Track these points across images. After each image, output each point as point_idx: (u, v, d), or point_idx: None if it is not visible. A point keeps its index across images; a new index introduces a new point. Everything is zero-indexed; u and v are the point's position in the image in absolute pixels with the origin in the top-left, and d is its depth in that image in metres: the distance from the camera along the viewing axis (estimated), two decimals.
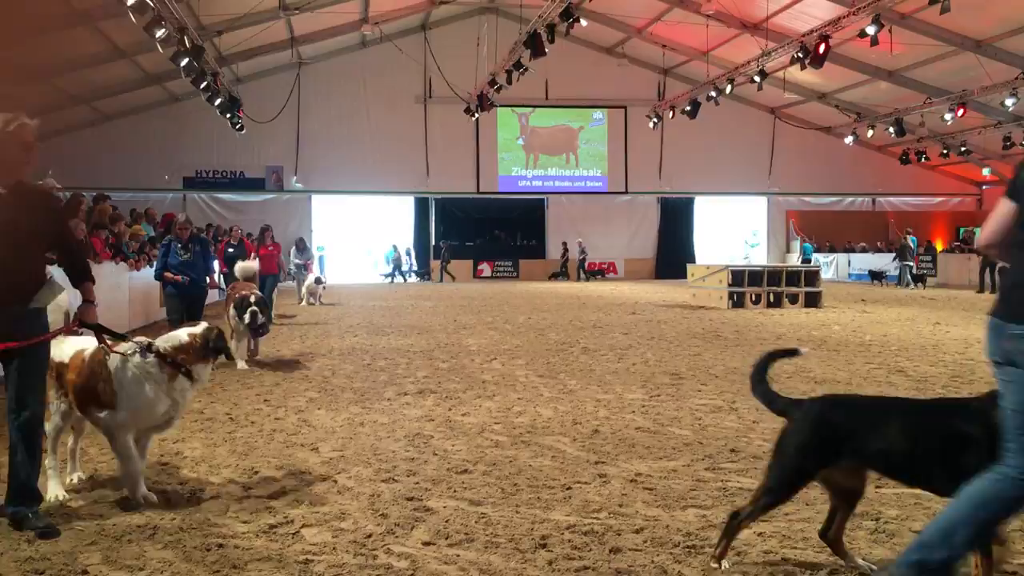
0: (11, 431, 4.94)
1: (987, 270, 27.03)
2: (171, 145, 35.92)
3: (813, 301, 21.65)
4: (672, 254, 40.31)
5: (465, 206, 40.44)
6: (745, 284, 21.85)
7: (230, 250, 18.13)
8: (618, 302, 23.99)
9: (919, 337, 14.63)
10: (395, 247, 37.79)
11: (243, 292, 11.60)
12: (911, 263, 31.82)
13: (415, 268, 39.05)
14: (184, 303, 11.21)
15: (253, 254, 17.90)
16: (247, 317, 11.14)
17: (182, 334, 5.46)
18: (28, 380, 4.93)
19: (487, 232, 40.73)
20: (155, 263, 12.06)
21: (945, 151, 36.52)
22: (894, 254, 33.50)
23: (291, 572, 4.17)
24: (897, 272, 32.16)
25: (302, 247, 24.96)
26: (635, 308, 21.55)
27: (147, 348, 5.28)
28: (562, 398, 8.92)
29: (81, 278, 5.29)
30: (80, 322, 5.20)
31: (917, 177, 42.08)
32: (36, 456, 4.99)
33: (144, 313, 17.39)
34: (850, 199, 43.51)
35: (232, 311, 11.45)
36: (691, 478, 5.83)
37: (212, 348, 5.48)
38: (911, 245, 32.66)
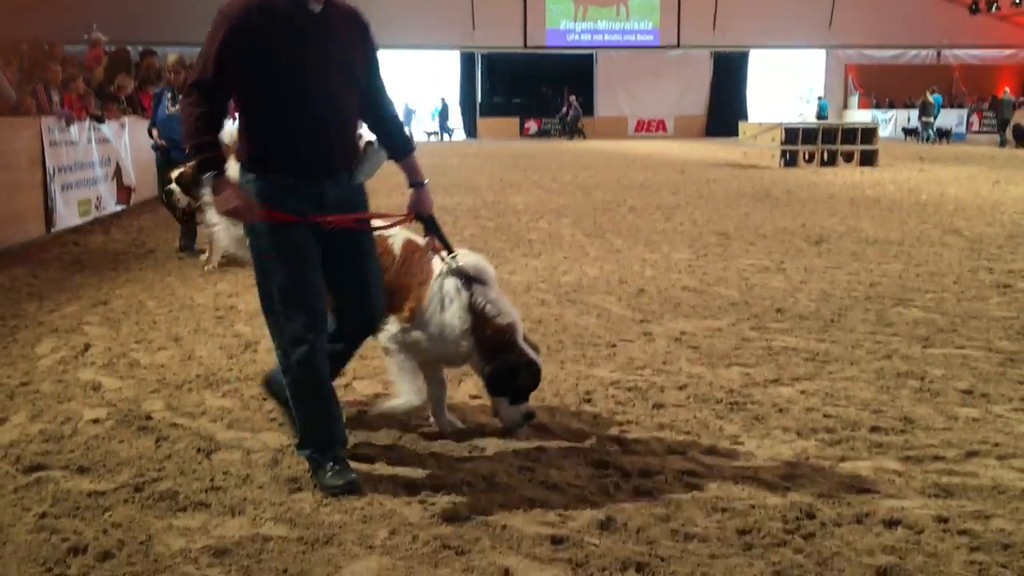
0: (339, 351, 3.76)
1: (1004, 127, 28.38)
2: None
3: (869, 160, 21.07)
4: (724, 111, 39.21)
5: (512, 61, 39.49)
6: (799, 142, 21.29)
7: None
8: (666, 161, 23.60)
9: (977, 196, 14.24)
10: (444, 100, 37.03)
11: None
12: (932, 119, 32.32)
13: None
14: (168, 172, 8.65)
15: None
16: (163, 196, 8.58)
17: (506, 311, 3.89)
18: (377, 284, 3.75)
19: (534, 89, 39.89)
20: None
21: (1017, 0, 34.40)
22: (918, 111, 33.59)
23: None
24: (925, 128, 32.43)
25: None
26: (684, 167, 21.21)
27: (468, 281, 3.87)
28: (608, 257, 8.92)
29: (406, 146, 3.84)
30: (417, 214, 3.84)
31: (986, 28, 39.83)
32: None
33: None
34: (913, 52, 41.55)
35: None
36: (736, 337, 5.86)
37: (506, 383, 3.89)
38: (932, 102, 32.76)
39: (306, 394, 3.56)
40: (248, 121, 3.52)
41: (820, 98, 39.33)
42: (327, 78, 3.46)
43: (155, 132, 9.12)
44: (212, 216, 4.12)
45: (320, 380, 3.56)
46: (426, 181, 3.85)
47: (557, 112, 38.49)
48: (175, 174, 8.07)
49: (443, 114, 37.05)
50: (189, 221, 8.75)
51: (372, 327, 3.83)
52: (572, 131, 37.64)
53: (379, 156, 3.70)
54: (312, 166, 3.50)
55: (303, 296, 3.48)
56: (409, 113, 36.81)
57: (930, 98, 32.75)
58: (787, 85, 41.18)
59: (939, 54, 41.57)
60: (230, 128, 10.30)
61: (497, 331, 3.79)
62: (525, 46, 39.18)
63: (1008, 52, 41.62)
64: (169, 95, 8.97)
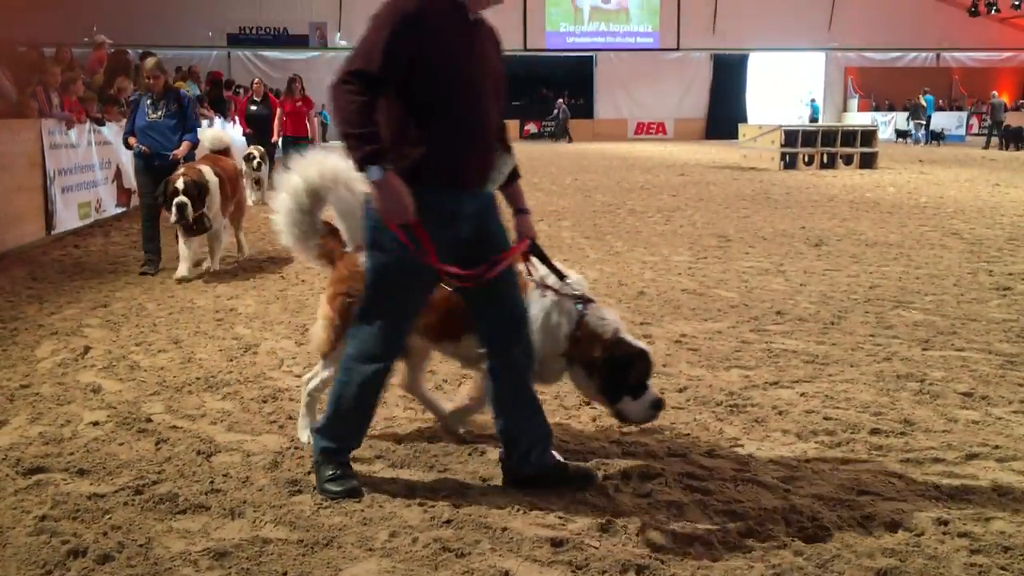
0: (500, 382, 3.57)
1: (993, 128, 29.41)
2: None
3: (868, 162, 21.08)
4: (723, 114, 39.20)
5: (511, 63, 39.33)
6: (798, 144, 21.30)
7: (252, 108, 15.58)
8: (667, 163, 23.61)
9: (976, 199, 14.25)
10: None
11: (180, 172, 8.03)
12: (923, 121, 32.88)
13: None
14: (152, 180, 8.34)
15: (278, 111, 15.12)
16: (173, 210, 7.86)
17: (612, 322, 3.75)
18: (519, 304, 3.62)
19: (534, 91, 39.90)
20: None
21: (1017, 2, 34.43)
22: (908, 113, 34.13)
23: None
24: (918, 130, 32.99)
25: None
26: (684, 169, 21.21)
27: (584, 302, 3.72)
28: (608, 260, 8.92)
29: (514, 172, 3.68)
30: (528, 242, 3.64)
31: (986, 30, 39.86)
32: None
33: None
34: (913, 55, 41.57)
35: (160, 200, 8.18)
36: (736, 339, 5.86)
37: (621, 380, 3.68)
38: (924, 104, 33.34)
39: (356, 401, 3.52)
40: (397, 125, 3.29)
41: (812, 100, 39.35)
42: (483, 87, 3.39)
43: (132, 140, 8.41)
44: (277, 205, 3.93)
45: (376, 396, 3.56)
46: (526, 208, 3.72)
47: (549, 115, 38.49)
48: (180, 184, 7.75)
49: None
50: (194, 232, 8.06)
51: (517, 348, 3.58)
52: (560, 133, 37.70)
53: (508, 163, 3.60)
54: (464, 177, 3.39)
55: (400, 319, 3.48)
56: None
57: (922, 100, 33.31)
58: (787, 88, 41.14)
59: (938, 57, 41.60)
60: (211, 133, 9.46)
61: (603, 343, 3.66)
62: (525, 49, 39.20)
63: (1007, 55, 41.66)
64: (148, 101, 8.39)
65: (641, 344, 3.78)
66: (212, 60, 34.23)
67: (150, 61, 8.61)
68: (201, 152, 9.09)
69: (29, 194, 9.95)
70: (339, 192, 3.80)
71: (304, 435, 4.05)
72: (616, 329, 3.71)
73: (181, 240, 8.13)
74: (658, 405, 3.73)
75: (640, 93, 39.59)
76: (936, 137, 32.61)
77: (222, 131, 10.08)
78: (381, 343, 3.45)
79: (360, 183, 3.46)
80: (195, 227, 8.01)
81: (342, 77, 3.20)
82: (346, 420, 3.56)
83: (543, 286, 3.70)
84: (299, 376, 5.09)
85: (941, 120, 34.76)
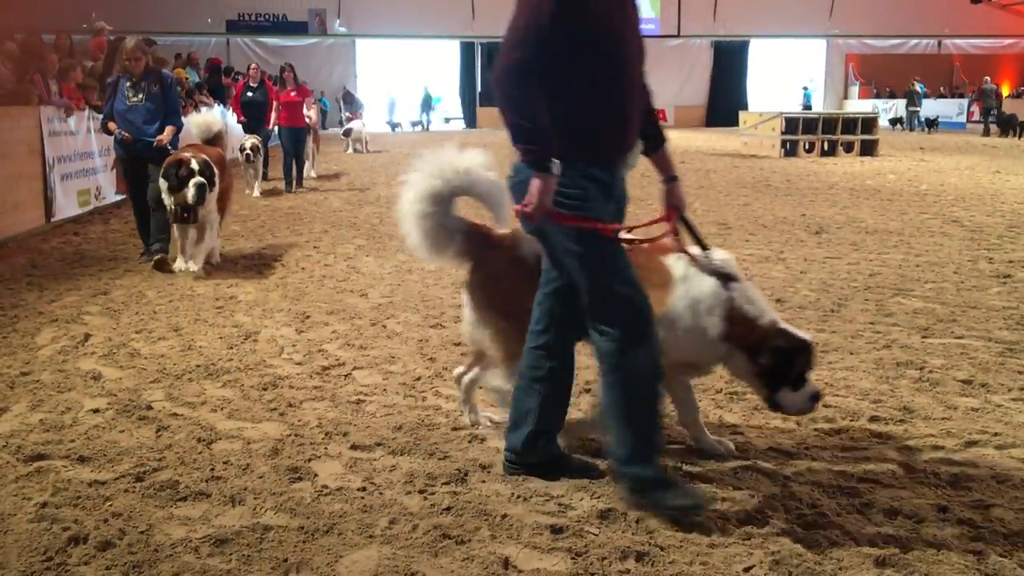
0: (614, 376, 3.27)
1: (987, 115, 29.98)
2: None
3: (869, 149, 21.03)
4: (724, 101, 39.09)
5: None
6: (799, 132, 21.25)
7: (249, 94, 14.74)
8: None
9: (977, 186, 14.22)
10: (426, 89, 36.56)
11: (181, 155, 7.59)
12: (918, 108, 33.36)
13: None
14: (136, 167, 8.09)
15: (275, 101, 14.47)
16: (190, 192, 7.34)
17: (765, 309, 3.58)
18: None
19: None
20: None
21: None
22: (905, 100, 34.47)
23: (344, 411, 4.34)
24: (911, 118, 33.28)
25: (349, 99, 24.56)
26: (684, 157, 21.16)
27: (727, 280, 3.55)
28: None
29: (661, 138, 3.58)
30: (676, 212, 3.55)
31: (987, 17, 39.71)
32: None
33: None
34: (914, 41, 41.42)
35: (161, 182, 7.52)
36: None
37: (784, 371, 3.53)
38: (919, 91, 33.84)
39: (648, 401, 3.22)
40: (556, 103, 3.10)
41: (805, 88, 39.20)
42: (636, 61, 3.27)
43: (112, 125, 7.94)
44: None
45: (658, 382, 3.27)
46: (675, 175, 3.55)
47: None
48: (196, 164, 7.33)
49: (425, 103, 36.55)
50: (185, 220, 7.56)
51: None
52: None
53: (638, 145, 3.50)
54: (617, 154, 3.28)
55: (631, 276, 3.23)
56: (428, 99, 36.63)
57: (916, 87, 33.68)
58: (788, 74, 40.98)
59: (940, 43, 41.45)
60: (199, 118, 8.84)
61: (759, 329, 3.50)
62: None
63: (1008, 41, 41.50)
64: (128, 83, 7.85)
65: (805, 335, 3.62)
66: (211, 47, 34.11)
67: (130, 40, 8.05)
68: (187, 139, 8.60)
69: (28, 182, 9.93)
70: (479, 184, 3.67)
71: (470, 418, 4.10)
72: (774, 318, 3.56)
73: (176, 229, 7.74)
74: (816, 398, 3.58)
75: None
76: (930, 124, 32.84)
77: (212, 116, 9.18)
78: (639, 310, 3.18)
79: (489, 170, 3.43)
80: (186, 215, 7.49)
81: (508, 68, 3.05)
82: (642, 424, 3.23)
83: (691, 259, 3.54)
84: (299, 364, 5.11)
85: (940, 107, 34.72)
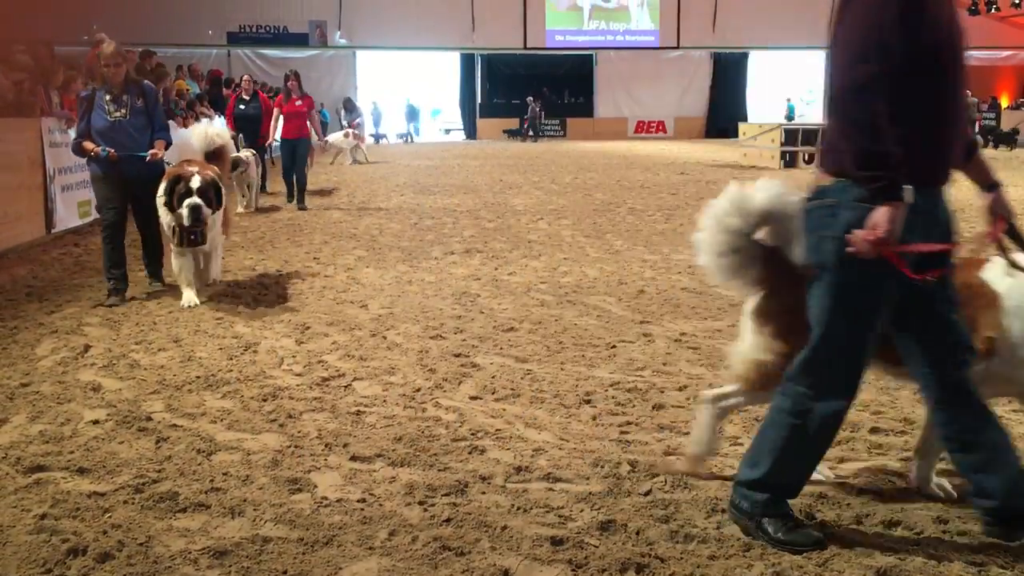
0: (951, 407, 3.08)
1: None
2: None
3: None
4: (724, 113, 39.16)
5: (511, 63, 39.45)
6: (798, 143, 21.29)
7: (241, 107, 14.36)
8: (666, 162, 23.59)
9: (977, 196, 14.20)
10: (409, 102, 36.44)
11: (184, 170, 6.93)
12: None
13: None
14: (119, 189, 7.07)
15: (276, 110, 13.65)
16: (185, 214, 6.72)
17: None
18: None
19: (534, 90, 39.83)
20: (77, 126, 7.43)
21: (1017, 1, 34.45)
22: None
23: (344, 422, 4.34)
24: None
25: (350, 107, 24.55)
26: (684, 168, 21.21)
27: None
28: (608, 258, 8.92)
29: (973, 145, 3.32)
30: (1005, 221, 3.20)
31: (985, 29, 39.73)
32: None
33: None
34: None
35: (160, 200, 6.94)
36: (736, 338, 5.84)
37: None
38: None
39: (807, 445, 3.10)
40: (895, 121, 2.79)
41: (788, 100, 39.29)
42: (965, 75, 2.99)
43: (89, 145, 6.96)
44: None
45: (830, 437, 3.16)
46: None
47: (526, 114, 37.98)
48: (196, 182, 6.70)
49: (410, 114, 36.50)
50: (192, 243, 6.95)
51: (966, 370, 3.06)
52: (533, 132, 37.37)
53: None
54: (944, 173, 2.98)
55: (863, 352, 3.02)
56: (413, 112, 36.62)
57: None
58: (787, 86, 41.07)
59: None
60: (201, 129, 8.09)
61: None
62: (525, 47, 39.18)
63: (1007, 53, 41.62)
64: (108, 97, 6.99)
65: None
66: (212, 58, 34.18)
67: (108, 45, 7.20)
68: (186, 154, 7.75)
69: (29, 193, 9.95)
70: (786, 218, 3.29)
71: (697, 449, 3.66)
72: None
73: (175, 256, 6.99)
74: None
75: (640, 92, 39.52)
76: None
77: (215, 128, 8.55)
78: (842, 380, 3.04)
79: (795, 202, 3.15)
80: (193, 237, 6.85)
81: (849, 88, 2.81)
82: (794, 466, 3.14)
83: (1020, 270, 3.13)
84: (299, 375, 5.11)
85: None
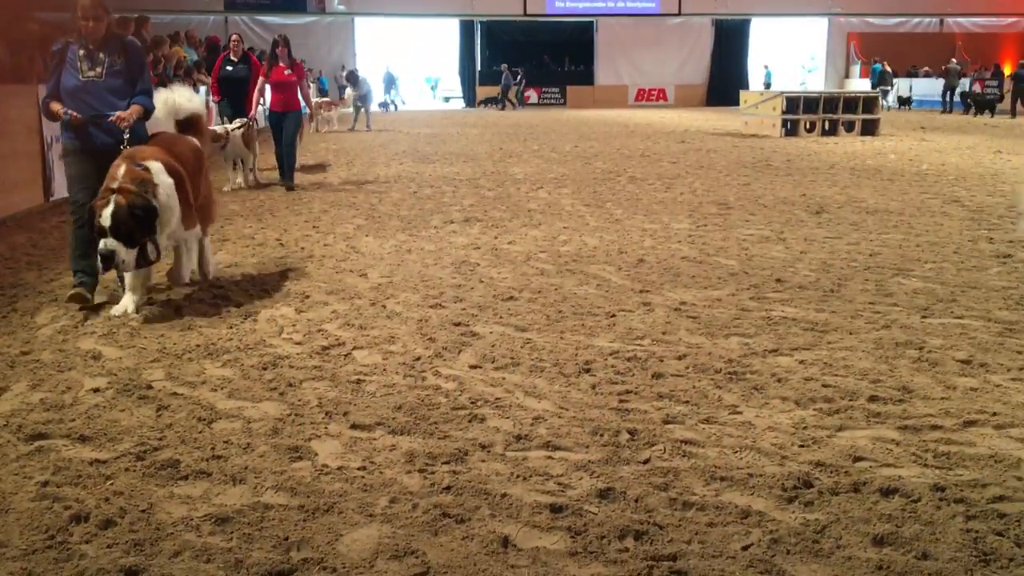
0: None
1: (947, 93, 31.83)
2: None
3: (870, 129, 20.97)
4: (725, 80, 38.88)
5: (511, 29, 39.10)
6: (800, 111, 21.17)
7: (228, 68, 12.45)
8: (667, 130, 23.47)
9: (978, 166, 14.19)
10: (388, 70, 35.78)
11: (112, 191, 5.40)
12: (889, 88, 34.88)
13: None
14: (92, 162, 5.89)
15: (261, 80, 12.08)
16: (97, 257, 5.49)
17: None
18: None
19: (534, 57, 39.52)
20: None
21: None
22: (874, 80, 35.73)
23: (344, 391, 4.35)
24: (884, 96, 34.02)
25: (354, 80, 24.35)
26: (684, 136, 21.11)
27: None
28: (608, 227, 8.90)
29: None
30: None
31: None
32: None
33: None
34: (916, 20, 41.17)
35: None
36: (735, 307, 5.86)
37: None
38: (889, 71, 35.72)
39: None
40: None
41: (766, 67, 38.90)
42: None
43: (56, 106, 5.88)
44: None
45: None
46: None
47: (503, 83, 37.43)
48: (107, 217, 5.34)
49: (388, 84, 35.80)
50: (138, 266, 5.67)
51: None
52: (509, 101, 36.91)
53: None
54: None
55: None
56: (391, 79, 35.87)
57: (887, 67, 35.54)
58: (789, 53, 40.77)
59: (942, 22, 41.19)
60: (163, 95, 6.99)
61: None
62: (525, 14, 38.81)
63: (1010, 20, 41.23)
64: (82, 52, 5.91)
65: None
66: (209, 25, 33.85)
67: None
68: (154, 127, 6.38)
69: (27, 160, 9.90)
70: None
71: None
72: None
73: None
74: None
75: (641, 59, 39.24)
76: (904, 102, 34.86)
77: (182, 94, 6.99)
78: None
79: None
80: (139, 261, 5.59)
81: None
82: None
83: None
84: (299, 343, 5.11)
85: (941, 87, 34.84)
